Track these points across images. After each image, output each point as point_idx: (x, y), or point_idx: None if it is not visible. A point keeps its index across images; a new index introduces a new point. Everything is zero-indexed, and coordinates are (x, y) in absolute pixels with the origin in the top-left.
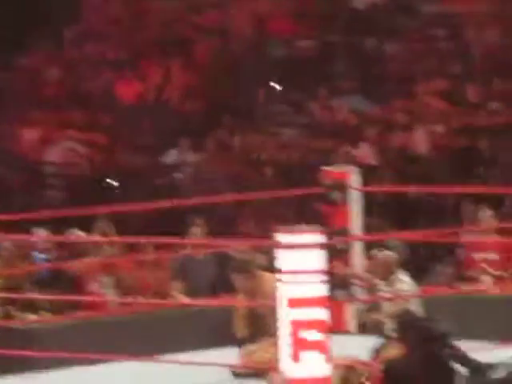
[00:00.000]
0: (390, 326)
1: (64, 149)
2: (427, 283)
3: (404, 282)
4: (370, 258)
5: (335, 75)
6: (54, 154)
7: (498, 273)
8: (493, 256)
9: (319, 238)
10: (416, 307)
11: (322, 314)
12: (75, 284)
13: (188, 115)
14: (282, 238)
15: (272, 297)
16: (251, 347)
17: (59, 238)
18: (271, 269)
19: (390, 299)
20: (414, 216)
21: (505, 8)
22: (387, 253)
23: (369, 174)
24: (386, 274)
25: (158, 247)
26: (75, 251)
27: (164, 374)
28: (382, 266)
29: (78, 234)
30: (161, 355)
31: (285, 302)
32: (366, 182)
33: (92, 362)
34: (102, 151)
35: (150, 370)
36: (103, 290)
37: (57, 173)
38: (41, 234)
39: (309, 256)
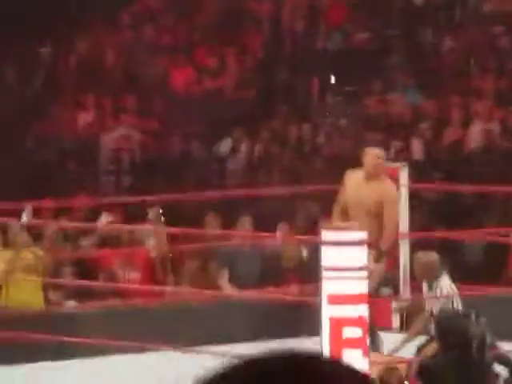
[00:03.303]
0: (431, 325)
1: (118, 135)
2: (475, 283)
3: (445, 284)
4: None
5: (391, 68)
6: (108, 140)
7: None
8: None
9: (364, 235)
10: (457, 307)
11: (362, 311)
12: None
13: (242, 104)
14: (326, 234)
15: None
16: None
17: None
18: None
19: (432, 298)
20: (464, 215)
21: None
22: (431, 254)
23: (419, 170)
24: (430, 276)
25: (206, 237)
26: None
27: (203, 367)
28: (425, 269)
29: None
30: (202, 346)
31: (325, 299)
32: (415, 179)
33: (134, 351)
34: (155, 138)
35: (191, 362)
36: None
37: (111, 158)
38: (103, 220)
39: (352, 253)
